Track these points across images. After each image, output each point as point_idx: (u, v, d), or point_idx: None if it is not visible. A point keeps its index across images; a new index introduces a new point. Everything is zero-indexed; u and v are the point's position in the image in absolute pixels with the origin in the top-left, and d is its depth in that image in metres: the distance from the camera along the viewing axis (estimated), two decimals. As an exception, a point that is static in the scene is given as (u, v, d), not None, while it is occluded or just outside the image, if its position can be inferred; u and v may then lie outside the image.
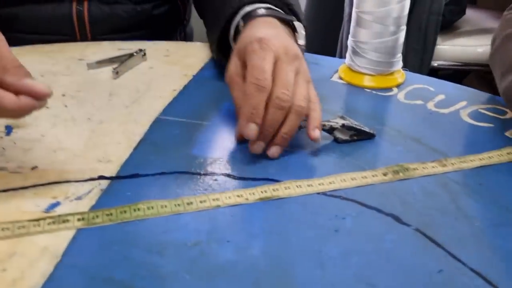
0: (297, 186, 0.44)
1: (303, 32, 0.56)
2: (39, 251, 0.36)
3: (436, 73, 1.52)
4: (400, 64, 0.65)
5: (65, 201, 0.41)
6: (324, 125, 0.50)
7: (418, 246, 0.38)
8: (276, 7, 0.58)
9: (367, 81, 0.64)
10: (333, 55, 1.45)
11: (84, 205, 0.41)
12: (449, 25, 1.52)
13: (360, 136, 0.51)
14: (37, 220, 0.39)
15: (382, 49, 0.62)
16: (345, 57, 0.68)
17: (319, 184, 0.44)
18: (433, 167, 0.47)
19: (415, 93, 0.62)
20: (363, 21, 0.62)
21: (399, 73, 0.66)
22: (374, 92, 0.63)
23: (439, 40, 1.44)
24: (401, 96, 0.62)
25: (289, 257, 0.36)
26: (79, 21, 0.80)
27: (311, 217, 0.40)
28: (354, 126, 0.51)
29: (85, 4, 0.79)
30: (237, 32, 0.57)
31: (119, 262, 0.35)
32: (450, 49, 1.47)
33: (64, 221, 0.39)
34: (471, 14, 1.64)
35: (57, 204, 0.41)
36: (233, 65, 0.50)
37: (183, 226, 0.39)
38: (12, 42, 0.47)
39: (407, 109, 0.59)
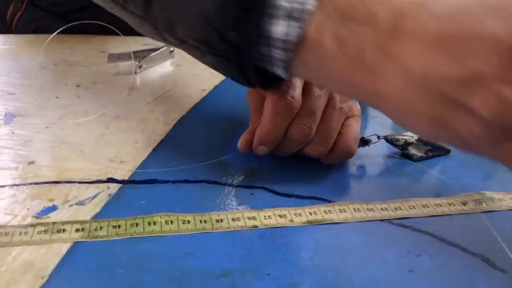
0: (354, 210, 0.34)
1: None
2: (21, 267, 0.27)
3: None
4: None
5: (64, 206, 0.33)
6: (397, 140, 0.41)
7: (522, 301, 0.28)
8: None
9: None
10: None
11: (86, 213, 0.32)
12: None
13: (435, 152, 0.42)
14: (25, 226, 0.31)
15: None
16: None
17: (381, 209, 0.35)
18: (523, 199, 0.37)
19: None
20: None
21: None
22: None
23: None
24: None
25: (350, 303, 0.27)
26: None
27: (377, 251, 0.31)
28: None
29: None
30: None
31: (124, 291, 0.27)
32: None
33: (58, 231, 0.30)
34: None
35: (52, 208, 0.32)
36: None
37: (209, 249, 0.30)
38: None
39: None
